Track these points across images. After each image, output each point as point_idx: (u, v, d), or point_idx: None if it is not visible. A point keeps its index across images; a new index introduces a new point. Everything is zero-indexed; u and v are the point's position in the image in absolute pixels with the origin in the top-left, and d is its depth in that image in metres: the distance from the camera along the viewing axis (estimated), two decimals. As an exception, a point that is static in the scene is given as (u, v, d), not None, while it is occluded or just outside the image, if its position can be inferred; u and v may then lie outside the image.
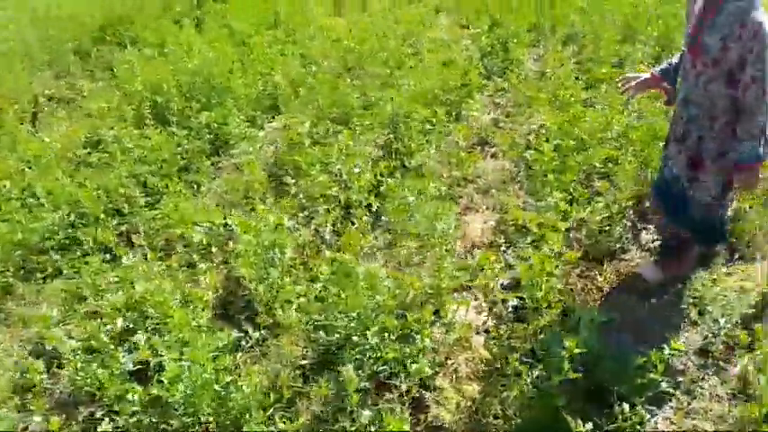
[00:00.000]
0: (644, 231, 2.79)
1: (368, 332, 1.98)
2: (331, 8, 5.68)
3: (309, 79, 4.07)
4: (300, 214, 2.97)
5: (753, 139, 1.99)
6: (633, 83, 2.33)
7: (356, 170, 3.07)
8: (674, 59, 2.30)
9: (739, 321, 2.21)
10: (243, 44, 4.73)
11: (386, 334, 2.02)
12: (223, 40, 4.72)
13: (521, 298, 2.29)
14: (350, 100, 3.79)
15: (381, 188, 3.00)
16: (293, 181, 3.18)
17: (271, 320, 2.31)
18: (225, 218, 2.75)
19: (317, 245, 2.74)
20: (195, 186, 3.31)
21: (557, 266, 2.26)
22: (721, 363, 2.13)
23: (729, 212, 2.44)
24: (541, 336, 2.17)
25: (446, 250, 2.54)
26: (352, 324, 2.04)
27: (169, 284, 2.34)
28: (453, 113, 3.80)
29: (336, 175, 3.16)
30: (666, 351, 1.81)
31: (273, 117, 4.10)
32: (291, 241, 2.54)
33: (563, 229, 2.46)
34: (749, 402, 1.92)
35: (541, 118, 3.59)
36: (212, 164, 3.54)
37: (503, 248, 2.71)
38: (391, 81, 4.00)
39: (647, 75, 2.34)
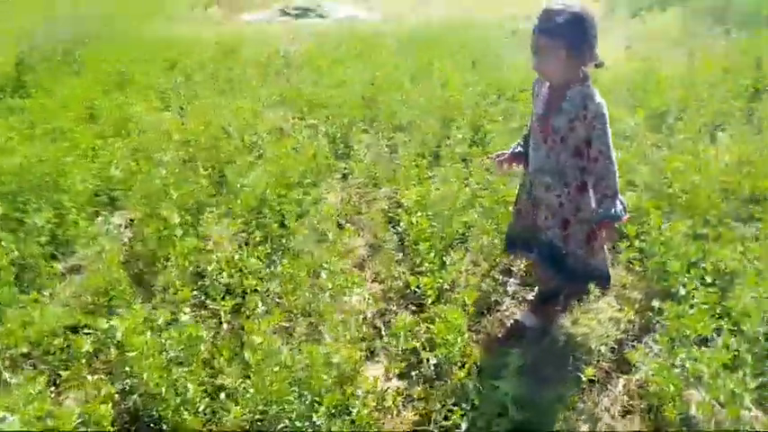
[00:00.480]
0: (512, 284, 3.14)
1: (314, 414, 1.89)
2: (156, 102, 5.52)
3: (153, 170, 3.88)
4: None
5: (607, 200, 2.41)
6: (499, 161, 2.69)
7: (236, 256, 2.97)
8: (521, 140, 2.74)
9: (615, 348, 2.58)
10: (64, 139, 4.33)
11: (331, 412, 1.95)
12: (40, 136, 4.29)
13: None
14: (200, 189, 3.71)
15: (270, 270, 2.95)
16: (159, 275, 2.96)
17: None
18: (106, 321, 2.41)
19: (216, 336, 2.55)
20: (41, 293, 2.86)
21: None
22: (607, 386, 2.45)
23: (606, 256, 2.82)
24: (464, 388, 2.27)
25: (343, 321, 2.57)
26: (299, 408, 1.93)
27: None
28: (311, 195, 3.91)
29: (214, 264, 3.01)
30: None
31: (113, 212, 3.81)
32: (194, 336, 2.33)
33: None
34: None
35: (396, 194, 3.91)
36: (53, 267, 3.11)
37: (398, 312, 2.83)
38: (242, 168, 4.01)
39: (507, 154, 2.72)
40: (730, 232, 3.15)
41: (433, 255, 3.00)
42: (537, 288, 2.96)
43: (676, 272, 2.71)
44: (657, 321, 2.69)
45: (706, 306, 2.43)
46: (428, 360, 2.41)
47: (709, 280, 2.69)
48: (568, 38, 2.27)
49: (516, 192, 2.80)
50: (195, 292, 2.88)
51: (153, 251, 3.17)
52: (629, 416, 2.29)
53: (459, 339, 2.31)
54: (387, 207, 3.87)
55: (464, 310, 2.54)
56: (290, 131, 4.83)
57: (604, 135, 2.35)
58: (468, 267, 3.11)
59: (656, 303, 2.57)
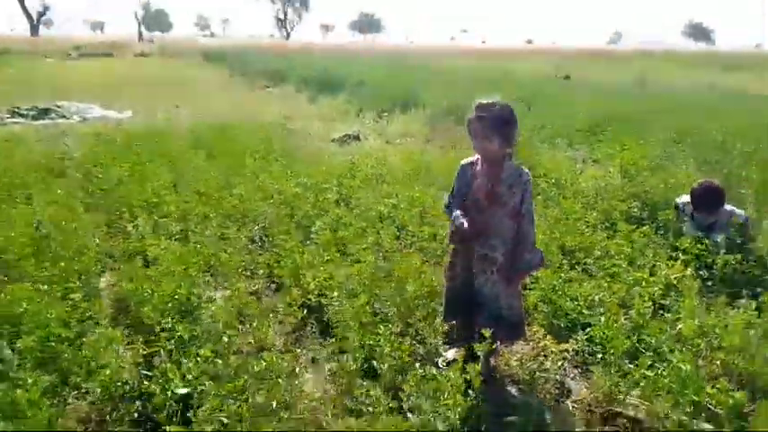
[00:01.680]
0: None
1: None
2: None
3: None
4: None
5: (530, 252, 2.91)
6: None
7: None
8: (447, 198, 3.10)
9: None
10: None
11: None
12: None
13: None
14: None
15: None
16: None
17: None
18: None
19: None
20: None
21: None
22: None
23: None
24: None
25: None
26: None
27: None
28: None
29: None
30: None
31: None
32: None
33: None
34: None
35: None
36: None
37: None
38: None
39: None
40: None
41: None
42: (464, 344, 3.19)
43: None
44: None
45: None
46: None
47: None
48: (499, 123, 2.78)
49: (447, 266, 3.12)
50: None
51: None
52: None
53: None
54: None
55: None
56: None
57: (531, 198, 2.89)
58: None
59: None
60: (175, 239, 4.18)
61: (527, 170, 2.90)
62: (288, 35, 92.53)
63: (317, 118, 11.96)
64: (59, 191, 5.10)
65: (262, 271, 3.96)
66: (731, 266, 3.91)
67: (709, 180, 4.66)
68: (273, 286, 3.95)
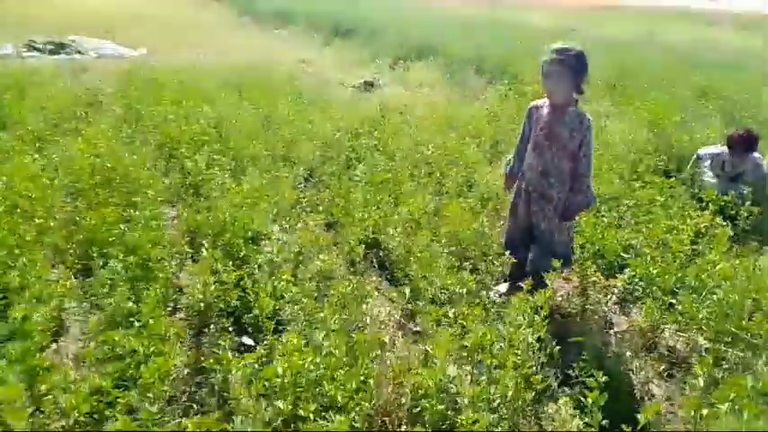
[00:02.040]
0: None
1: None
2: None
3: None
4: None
5: (586, 191, 3.15)
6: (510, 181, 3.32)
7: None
8: (509, 158, 3.35)
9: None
10: None
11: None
12: None
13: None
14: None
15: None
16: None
17: None
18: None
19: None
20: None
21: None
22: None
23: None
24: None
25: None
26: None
27: None
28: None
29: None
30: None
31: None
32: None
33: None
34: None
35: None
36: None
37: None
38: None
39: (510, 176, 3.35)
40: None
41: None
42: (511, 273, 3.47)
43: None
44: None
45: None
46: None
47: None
48: (576, 68, 2.96)
49: (511, 202, 3.36)
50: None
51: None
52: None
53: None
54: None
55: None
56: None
57: (590, 143, 3.09)
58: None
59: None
60: (230, 176, 4.37)
61: (589, 116, 3.09)
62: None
63: (333, 63, 11.95)
64: (103, 125, 5.24)
65: (321, 207, 4.16)
66: (755, 218, 4.17)
67: (744, 127, 5.04)
68: (329, 224, 4.17)
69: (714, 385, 2.52)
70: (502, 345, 2.41)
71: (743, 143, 4.76)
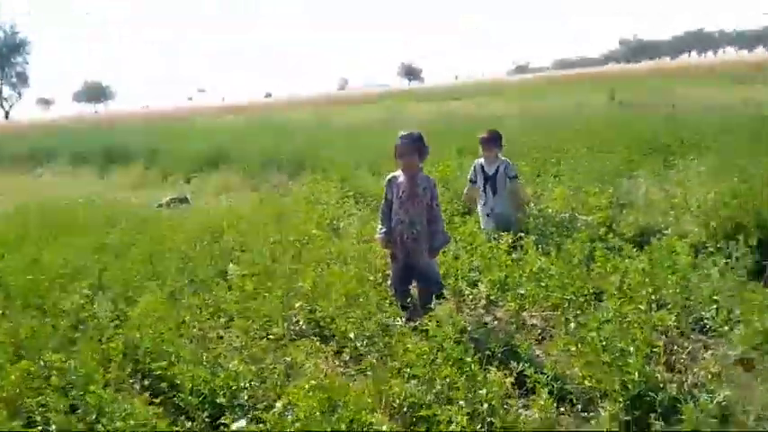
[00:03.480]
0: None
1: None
2: None
3: None
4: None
5: (441, 234, 4.23)
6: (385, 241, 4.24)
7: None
8: (379, 225, 4.32)
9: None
10: None
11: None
12: None
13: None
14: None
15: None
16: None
17: None
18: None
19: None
20: None
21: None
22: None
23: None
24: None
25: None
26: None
27: None
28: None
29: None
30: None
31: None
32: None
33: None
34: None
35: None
36: None
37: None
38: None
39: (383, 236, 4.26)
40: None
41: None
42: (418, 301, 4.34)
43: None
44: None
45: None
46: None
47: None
48: (419, 144, 4.07)
49: (390, 254, 4.28)
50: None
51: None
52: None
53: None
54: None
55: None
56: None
57: (437, 197, 4.22)
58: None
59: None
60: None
61: (433, 178, 4.25)
62: (7, 114, 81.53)
63: (121, 189, 11.84)
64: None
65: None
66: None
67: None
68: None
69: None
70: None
71: (489, 139, 5.69)
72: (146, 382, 3.45)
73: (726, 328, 3.46)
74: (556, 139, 9.20)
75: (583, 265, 4.39)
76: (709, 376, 3.07)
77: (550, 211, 5.82)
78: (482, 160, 5.78)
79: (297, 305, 4.36)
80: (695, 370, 3.17)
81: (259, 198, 8.84)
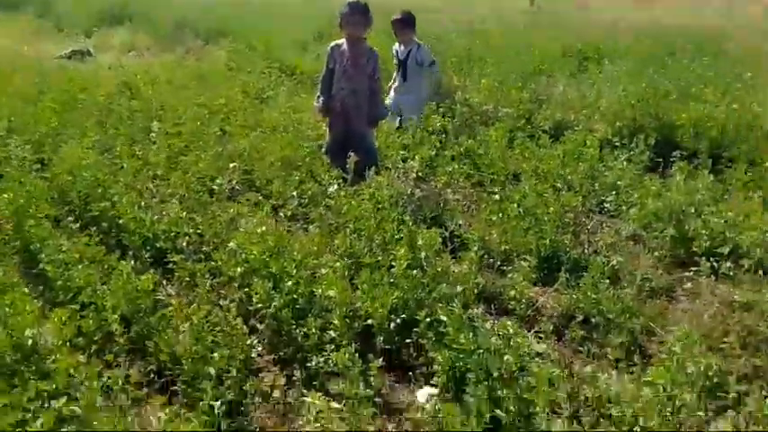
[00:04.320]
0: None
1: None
2: None
3: None
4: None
5: (380, 106, 4.34)
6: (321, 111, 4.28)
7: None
8: (318, 95, 4.31)
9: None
10: None
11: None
12: None
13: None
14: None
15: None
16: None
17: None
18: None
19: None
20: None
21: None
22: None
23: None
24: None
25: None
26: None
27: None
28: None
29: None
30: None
31: None
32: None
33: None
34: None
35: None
36: None
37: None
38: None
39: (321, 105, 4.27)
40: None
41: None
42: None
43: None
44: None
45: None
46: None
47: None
48: (365, 14, 4.06)
49: (329, 122, 4.34)
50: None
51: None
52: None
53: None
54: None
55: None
56: None
57: (379, 68, 4.29)
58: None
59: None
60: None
61: (375, 49, 4.28)
62: None
63: (8, 39, 10.59)
64: None
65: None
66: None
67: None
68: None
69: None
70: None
71: (401, 21, 5.39)
72: (81, 223, 3.42)
73: (623, 208, 3.98)
74: (480, 42, 9.30)
75: (504, 149, 4.73)
76: (606, 246, 3.58)
77: (476, 101, 6.08)
78: (397, 45, 5.49)
79: (231, 165, 4.39)
80: (595, 240, 3.67)
81: (175, 60, 8.35)
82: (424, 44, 5.64)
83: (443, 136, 5.05)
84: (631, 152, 4.66)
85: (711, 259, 3.20)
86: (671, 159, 4.38)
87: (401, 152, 4.99)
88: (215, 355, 2.23)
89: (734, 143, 4.87)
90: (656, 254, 3.48)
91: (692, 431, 2.04)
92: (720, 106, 5.33)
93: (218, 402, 2.01)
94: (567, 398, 2.31)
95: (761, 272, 3.17)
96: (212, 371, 2.16)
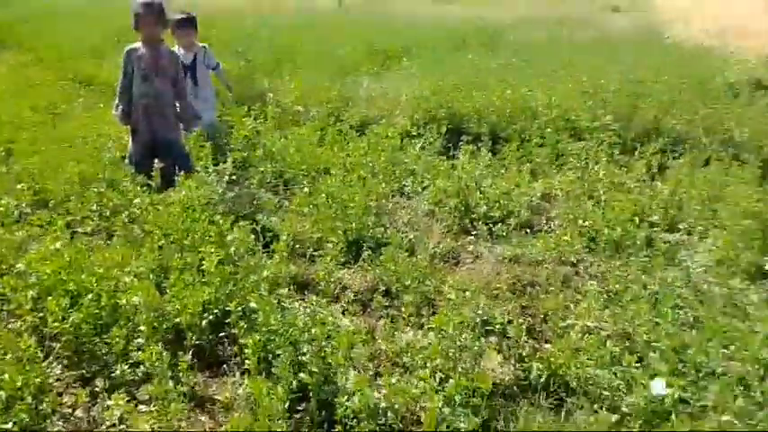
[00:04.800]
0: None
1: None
2: None
3: None
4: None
5: (191, 108, 4.30)
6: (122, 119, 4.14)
7: None
8: (117, 102, 4.14)
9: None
10: None
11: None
12: None
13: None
14: None
15: None
16: None
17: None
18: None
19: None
20: None
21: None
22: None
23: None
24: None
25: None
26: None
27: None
28: None
29: None
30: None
31: None
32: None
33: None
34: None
35: None
36: None
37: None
38: None
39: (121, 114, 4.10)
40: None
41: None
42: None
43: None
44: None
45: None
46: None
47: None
48: (160, 13, 4.00)
49: (131, 130, 4.19)
50: None
51: None
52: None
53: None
54: None
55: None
56: None
57: (180, 72, 4.24)
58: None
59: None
60: None
61: (176, 51, 4.23)
62: None
63: None
64: None
65: None
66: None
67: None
68: None
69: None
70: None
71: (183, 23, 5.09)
72: None
73: (419, 189, 4.42)
74: (288, 40, 9.48)
75: (315, 146, 4.97)
76: (404, 224, 3.96)
77: (288, 102, 6.25)
78: (177, 48, 5.01)
79: (19, 186, 4.06)
80: (395, 219, 4.03)
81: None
82: (208, 46, 5.54)
83: (257, 137, 5.15)
84: (426, 140, 5.16)
85: (489, 224, 3.72)
86: (459, 143, 4.95)
87: (211, 156, 5.01)
88: (5, 376, 2.11)
89: (509, 125, 5.60)
90: (445, 224, 3.93)
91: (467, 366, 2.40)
92: (499, 93, 6.09)
93: (11, 425, 1.92)
94: (370, 357, 2.58)
95: (527, 229, 3.75)
96: (2, 395, 2.05)
